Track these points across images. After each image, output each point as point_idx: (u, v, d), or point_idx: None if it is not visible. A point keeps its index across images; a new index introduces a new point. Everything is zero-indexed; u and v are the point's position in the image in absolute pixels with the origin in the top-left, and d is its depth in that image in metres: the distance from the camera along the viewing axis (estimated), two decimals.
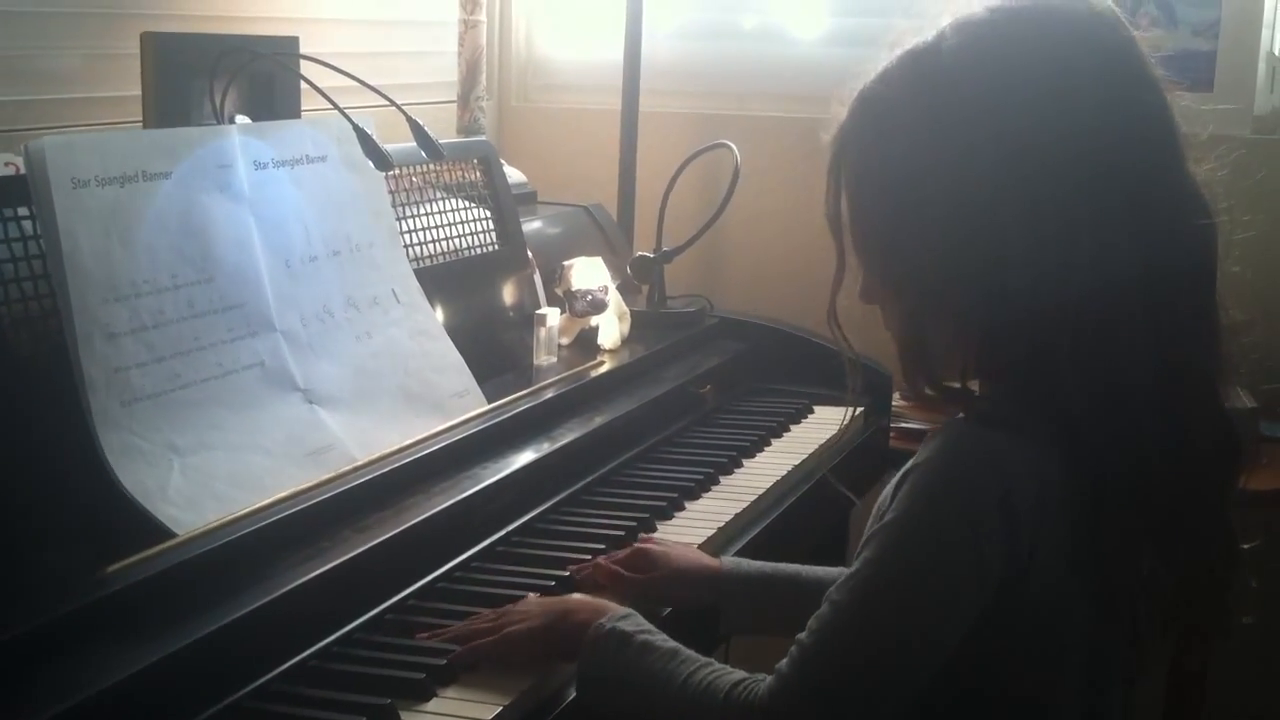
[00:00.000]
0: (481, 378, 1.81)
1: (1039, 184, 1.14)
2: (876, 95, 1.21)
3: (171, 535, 1.31)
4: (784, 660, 1.17)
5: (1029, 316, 1.15)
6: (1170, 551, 1.21)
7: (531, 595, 1.43)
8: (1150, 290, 1.15)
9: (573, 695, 1.31)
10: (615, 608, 1.34)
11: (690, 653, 1.25)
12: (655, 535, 1.67)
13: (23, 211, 1.38)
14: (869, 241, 1.24)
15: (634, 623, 1.30)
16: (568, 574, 1.52)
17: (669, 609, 1.49)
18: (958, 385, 1.24)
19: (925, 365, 1.22)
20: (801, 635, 1.17)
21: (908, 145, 1.18)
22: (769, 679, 1.18)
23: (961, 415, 1.21)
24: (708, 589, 1.52)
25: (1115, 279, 1.14)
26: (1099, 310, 1.14)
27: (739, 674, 1.21)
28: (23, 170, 1.39)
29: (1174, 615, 1.24)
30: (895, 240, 1.20)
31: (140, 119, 1.75)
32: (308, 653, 1.29)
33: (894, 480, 1.20)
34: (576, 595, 1.44)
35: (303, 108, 1.90)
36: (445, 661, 1.30)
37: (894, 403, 2.34)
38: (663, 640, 1.27)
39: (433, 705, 1.25)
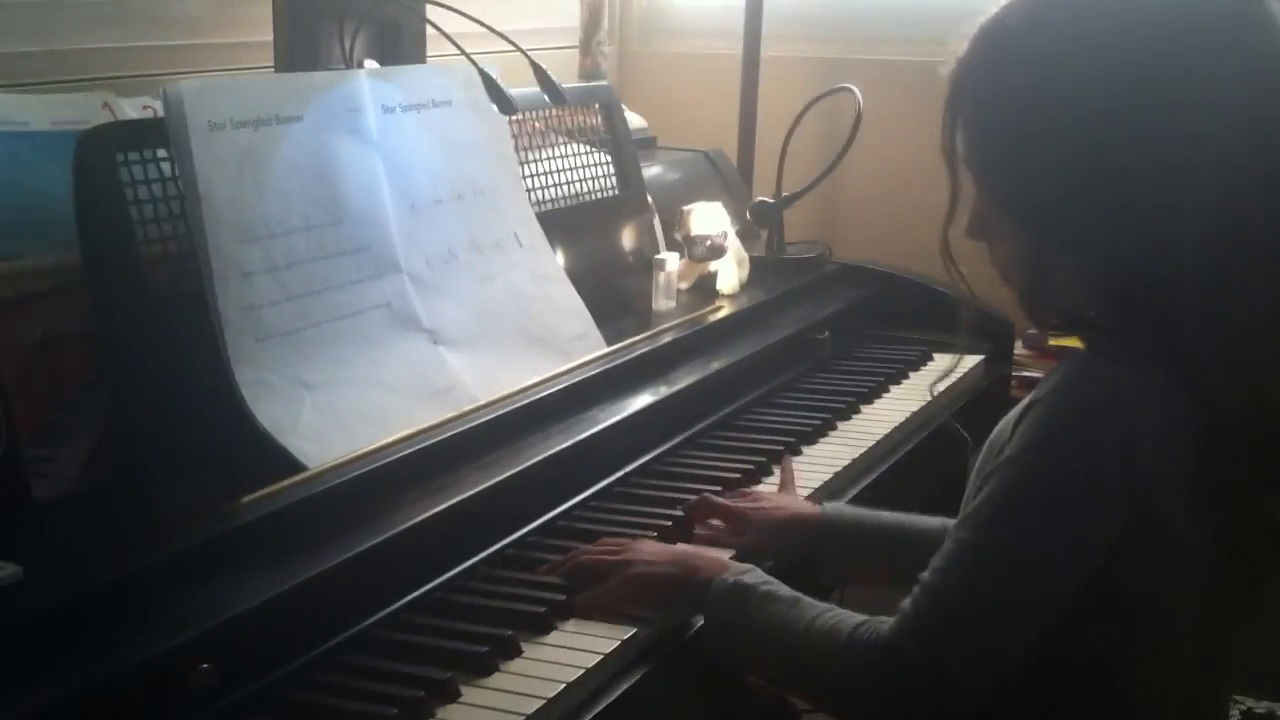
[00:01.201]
0: (600, 321, 1.83)
1: (1160, 118, 1.13)
2: (998, 25, 1.20)
3: (302, 468, 1.36)
4: (906, 599, 1.18)
5: (1153, 250, 1.14)
6: None
7: (650, 541, 1.45)
8: (1275, 229, 1.13)
9: (690, 631, 1.33)
10: (736, 563, 1.36)
11: (811, 600, 1.27)
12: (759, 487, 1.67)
13: (161, 153, 1.42)
14: (991, 173, 1.23)
15: (756, 575, 1.32)
16: (682, 514, 1.54)
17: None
18: (1084, 314, 1.22)
19: (1049, 296, 1.21)
20: (924, 574, 1.18)
21: (1030, 75, 1.17)
22: (892, 619, 1.19)
23: (1085, 349, 1.20)
24: (806, 540, 1.52)
25: (1240, 217, 1.13)
26: (1223, 246, 1.13)
27: (861, 616, 1.22)
28: (161, 114, 1.43)
29: None
30: (1018, 171, 1.19)
31: (272, 64, 1.79)
32: (432, 585, 1.33)
33: (1013, 414, 1.20)
34: (699, 548, 1.46)
35: (429, 52, 1.92)
36: (564, 597, 1.33)
37: (1016, 352, 2.31)
38: (784, 589, 1.29)
39: (552, 638, 1.28)
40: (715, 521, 1.55)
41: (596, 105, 2.12)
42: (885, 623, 1.19)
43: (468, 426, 1.51)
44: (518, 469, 1.47)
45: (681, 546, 1.46)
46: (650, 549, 1.41)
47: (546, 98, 1.84)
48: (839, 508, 1.57)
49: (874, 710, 1.20)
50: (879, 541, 1.51)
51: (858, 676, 1.19)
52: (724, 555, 1.43)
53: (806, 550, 1.52)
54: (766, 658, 1.28)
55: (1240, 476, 1.16)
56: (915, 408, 1.97)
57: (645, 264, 2.06)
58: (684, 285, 2.12)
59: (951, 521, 1.49)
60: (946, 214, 1.28)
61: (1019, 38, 1.19)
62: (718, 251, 2.12)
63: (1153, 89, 1.13)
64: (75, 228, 1.34)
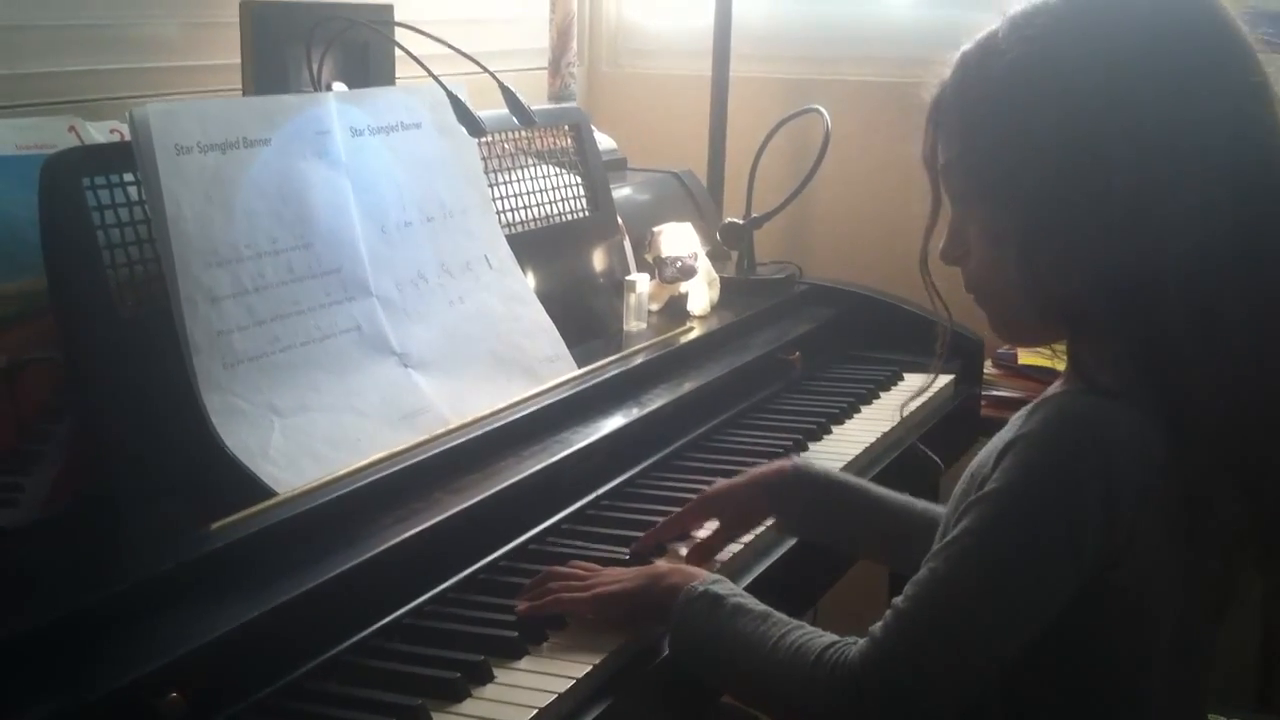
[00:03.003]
0: (572, 343, 1.83)
1: (1124, 141, 1.13)
2: (980, 49, 1.21)
3: (272, 494, 1.35)
4: (877, 624, 1.18)
5: (1134, 262, 1.14)
6: (1259, 498, 1.20)
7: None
8: (1249, 241, 1.14)
9: (663, 654, 1.32)
10: (706, 573, 1.36)
11: (781, 615, 1.26)
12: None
13: (128, 177, 1.41)
14: (973, 186, 1.23)
15: (726, 586, 1.31)
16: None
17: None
18: (1064, 316, 1.21)
19: (1041, 293, 1.19)
20: (897, 600, 1.18)
21: (1009, 95, 1.17)
22: (861, 642, 1.18)
23: (1069, 386, 1.20)
24: (777, 489, 1.55)
25: (1214, 229, 1.13)
26: (1197, 259, 1.13)
27: (830, 637, 1.22)
28: (127, 137, 1.42)
29: (1262, 558, 1.23)
30: (1003, 183, 1.19)
31: (239, 87, 1.78)
32: (403, 610, 1.32)
33: (994, 446, 1.20)
34: (666, 563, 1.46)
35: (397, 74, 1.92)
36: (534, 617, 1.32)
37: (986, 371, 2.32)
38: (754, 603, 1.28)
39: (525, 663, 1.27)
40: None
41: (566, 127, 2.12)
42: (853, 645, 1.19)
43: (439, 450, 1.50)
44: (490, 492, 1.46)
45: (651, 564, 1.45)
46: (616, 570, 1.41)
47: (515, 119, 1.84)
48: (808, 460, 1.60)
49: None
50: (840, 496, 1.55)
51: (823, 701, 1.18)
52: (694, 567, 1.42)
53: (777, 501, 1.55)
54: (731, 672, 1.27)
55: (1206, 485, 1.17)
56: (886, 428, 1.97)
57: (616, 285, 2.06)
58: (655, 307, 2.12)
59: (917, 502, 1.51)
60: (926, 227, 1.29)
61: (1001, 61, 1.19)
62: (688, 273, 2.12)
63: (1133, 105, 1.14)
64: (41, 253, 1.33)
